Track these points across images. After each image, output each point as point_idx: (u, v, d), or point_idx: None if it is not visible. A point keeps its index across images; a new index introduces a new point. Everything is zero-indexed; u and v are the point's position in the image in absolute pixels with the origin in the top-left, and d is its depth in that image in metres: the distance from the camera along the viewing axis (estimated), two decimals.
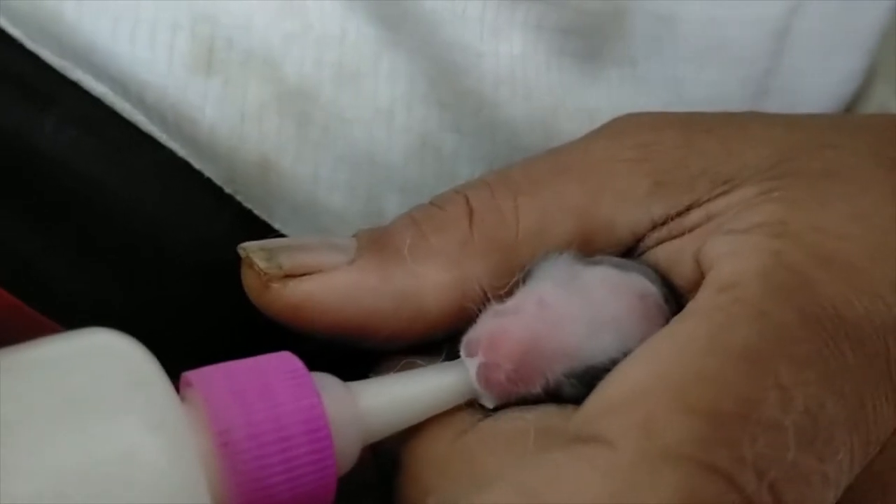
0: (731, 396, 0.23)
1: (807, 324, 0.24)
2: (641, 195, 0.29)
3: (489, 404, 0.28)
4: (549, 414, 0.27)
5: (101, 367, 0.24)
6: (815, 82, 0.38)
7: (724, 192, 0.28)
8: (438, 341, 0.30)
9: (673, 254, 0.28)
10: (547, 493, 0.22)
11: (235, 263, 0.33)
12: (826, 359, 0.24)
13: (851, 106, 0.40)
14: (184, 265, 0.34)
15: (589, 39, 0.34)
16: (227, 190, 0.34)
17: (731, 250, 0.26)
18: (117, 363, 0.24)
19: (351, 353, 0.30)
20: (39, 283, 0.34)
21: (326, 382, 0.26)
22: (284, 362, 0.26)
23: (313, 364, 0.27)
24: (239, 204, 0.34)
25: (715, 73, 0.35)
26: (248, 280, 0.30)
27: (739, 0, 0.35)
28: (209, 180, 0.34)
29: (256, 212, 0.34)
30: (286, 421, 0.25)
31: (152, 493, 0.22)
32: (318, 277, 0.29)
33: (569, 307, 0.27)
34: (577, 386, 0.27)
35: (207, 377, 0.25)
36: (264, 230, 0.34)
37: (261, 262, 0.29)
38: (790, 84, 0.37)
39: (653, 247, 0.29)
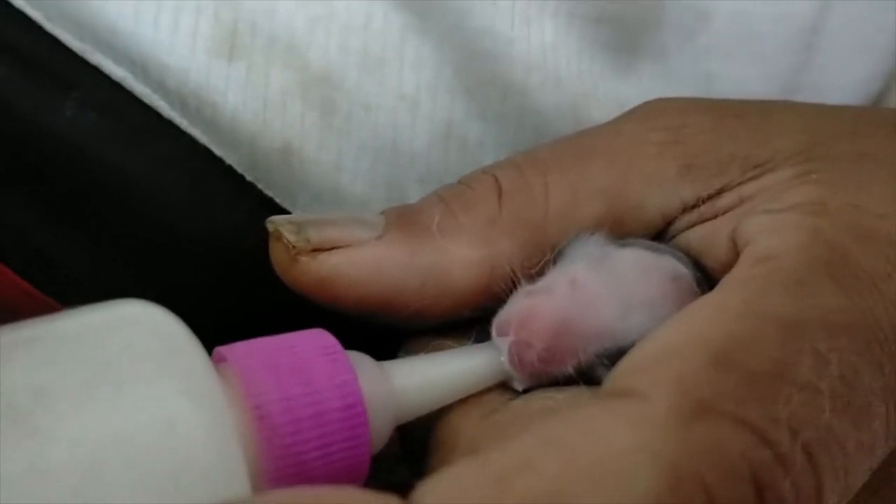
0: (765, 357, 0.23)
1: (844, 294, 0.24)
2: (671, 177, 0.29)
3: (520, 386, 0.28)
4: (579, 394, 0.27)
5: (137, 335, 0.23)
6: (842, 81, 0.38)
7: (756, 176, 0.28)
8: (466, 322, 0.29)
9: (706, 236, 0.28)
10: (573, 443, 0.22)
11: (256, 251, 0.33)
12: (863, 329, 0.24)
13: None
14: (203, 253, 0.34)
15: (622, 30, 0.34)
16: (248, 177, 0.34)
17: (769, 228, 0.26)
18: (153, 332, 0.23)
19: (378, 333, 0.30)
20: (54, 270, 0.33)
21: (360, 360, 0.26)
22: (319, 338, 0.26)
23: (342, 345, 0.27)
24: (260, 192, 0.34)
25: (745, 69, 0.35)
26: (276, 253, 0.29)
27: None
28: (230, 167, 0.34)
29: (277, 199, 0.34)
30: (322, 396, 0.25)
31: (190, 463, 0.22)
32: (346, 251, 0.29)
33: (601, 287, 0.27)
34: (610, 367, 0.27)
35: (241, 352, 0.25)
36: None
37: (290, 235, 0.29)
38: (818, 82, 0.37)
39: (684, 230, 0.29)
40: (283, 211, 0.34)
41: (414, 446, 0.29)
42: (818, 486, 0.22)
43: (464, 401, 0.27)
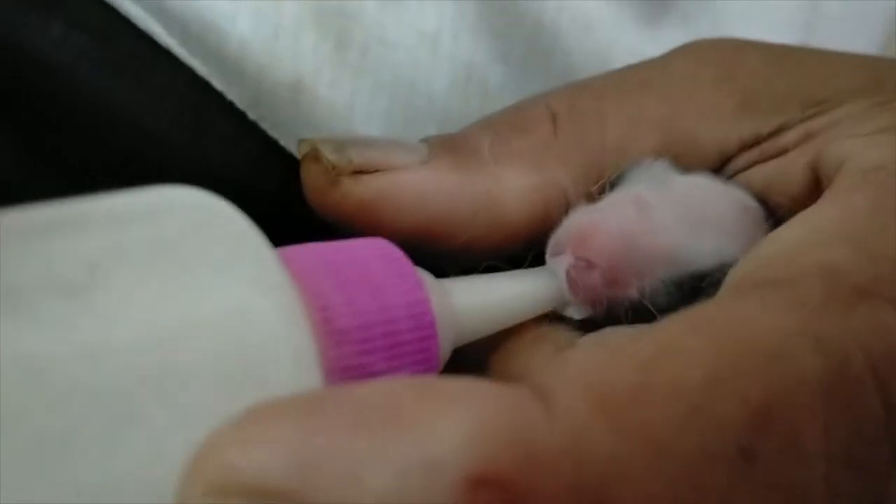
0: None
1: None
2: (727, 113, 0.28)
3: (577, 314, 0.26)
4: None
5: (200, 218, 0.20)
6: None
7: (820, 113, 0.27)
8: (516, 256, 0.27)
9: (773, 172, 0.27)
10: (725, 327, 0.19)
11: (255, 196, 0.31)
12: None
13: None
14: None
15: None
16: (251, 116, 0.31)
17: (867, 146, 0.24)
18: (216, 217, 0.21)
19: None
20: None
21: (422, 275, 0.24)
22: (381, 246, 0.23)
23: None
24: (262, 132, 0.31)
25: (758, 30, 0.35)
26: (313, 176, 0.27)
27: None
28: (231, 104, 0.31)
29: (282, 142, 0.32)
30: (390, 303, 0.22)
31: (263, 355, 0.19)
32: (393, 174, 0.26)
33: (669, 208, 0.25)
34: (675, 294, 0.25)
35: (299, 254, 0.22)
36: (290, 163, 0.31)
37: (330, 155, 0.26)
38: None
39: (743, 169, 0.28)
40: (288, 156, 0.32)
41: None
42: None
43: (527, 335, 0.25)
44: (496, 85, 0.32)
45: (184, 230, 0.20)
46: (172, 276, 0.19)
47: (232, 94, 0.31)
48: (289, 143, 0.32)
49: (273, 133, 0.31)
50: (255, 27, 0.31)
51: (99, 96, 0.30)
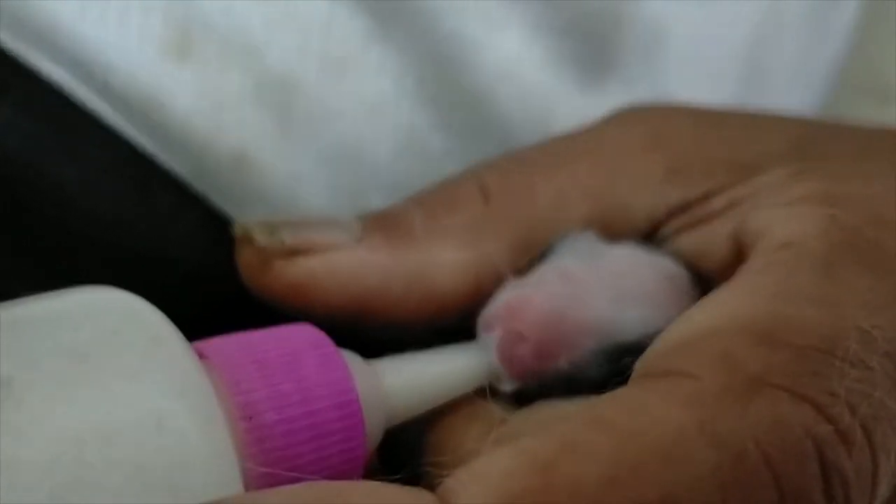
0: (812, 334, 0.22)
1: (873, 275, 0.23)
2: (656, 181, 0.28)
3: (509, 387, 0.26)
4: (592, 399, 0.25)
5: (116, 323, 0.21)
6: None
7: (745, 178, 0.28)
8: (449, 330, 0.28)
9: (700, 239, 0.27)
10: (623, 424, 0.20)
11: (201, 267, 0.31)
12: None
13: None
14: (144, 269, 0.31)
15: (585, 44, 0.33)
16: (196, 187, 0.32)
17: (782, 218, 0.25)
18: (132, 320, 0.21)
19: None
20: None
21: (349, 357, 0.24)
22: (306, 333, 0.24)
23: None
24: (207, 204, 0.32)
25: (697, 90, 0.35)
26: (246, 258, 0.27)
27: (716, 19, 0.35)
28: (176, 177, 0.32)
29: (227, 211, 0.32)
30: (314, 393, 0.22)
31: (179, 463, 0.20)
32: (325, 255, 0.27)
33: (594, 280, 0.26)
34: (605, 365, 0.25)
35: (222, 347, 0.23)
36: None
37: (261, 238, 0.27)
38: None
39: (672, 235, 0.28)
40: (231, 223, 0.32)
41: (396, 464, 0.26)
42: (875, 466, 0.21)
43: (460, 412, 0.26)
44: (438, 151, 0.33)
45: (99, 336, 0.20)
46: (86, 386, 0.20)
47: (177, 167, 0.31)
48: (234, 212, 0.32)
49: (218, 204, 0.32)
50: (198, 101, 0.31)
51: (46, 177, 0.31)
